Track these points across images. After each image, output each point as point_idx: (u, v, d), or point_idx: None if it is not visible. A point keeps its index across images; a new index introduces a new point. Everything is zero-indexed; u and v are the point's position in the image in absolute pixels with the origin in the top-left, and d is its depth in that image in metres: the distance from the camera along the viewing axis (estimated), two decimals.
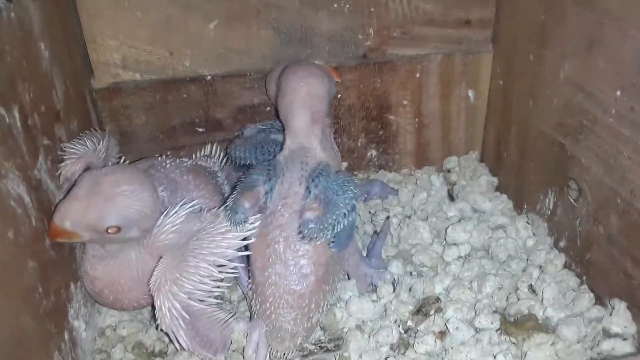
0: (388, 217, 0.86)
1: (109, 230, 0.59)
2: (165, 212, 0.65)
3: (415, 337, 0.67)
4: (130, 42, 0.80)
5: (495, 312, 0.70)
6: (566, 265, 0.76)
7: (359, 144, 0.95)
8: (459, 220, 0.83)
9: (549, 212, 0.80)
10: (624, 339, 0.63)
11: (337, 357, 0.67)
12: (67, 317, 0.63)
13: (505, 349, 0.64)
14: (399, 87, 0.90)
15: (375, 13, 0.84)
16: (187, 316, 0.61)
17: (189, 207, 0.66)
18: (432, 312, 0.70)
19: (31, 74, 0.61)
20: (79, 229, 0.59)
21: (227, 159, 0.82)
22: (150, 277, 0.63)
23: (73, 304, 0.65)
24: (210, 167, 0.80)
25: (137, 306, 0.69)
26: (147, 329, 0.71)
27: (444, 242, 0.82)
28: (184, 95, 0.85)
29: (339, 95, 0.89)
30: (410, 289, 0.73)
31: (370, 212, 0.90)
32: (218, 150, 0.84)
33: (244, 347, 0.66)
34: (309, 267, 0.65)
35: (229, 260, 0.65)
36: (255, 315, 0.67)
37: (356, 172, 0.97)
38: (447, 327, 0.67)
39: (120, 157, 0.76)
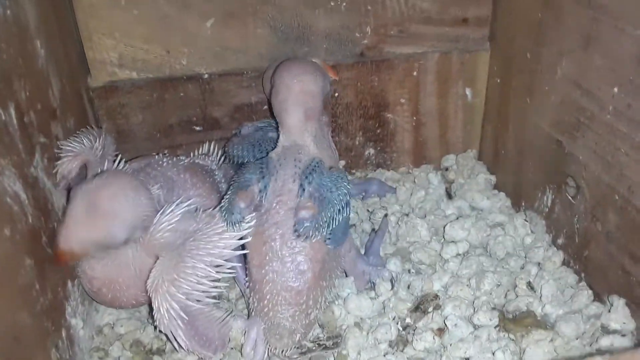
0: (386, 215, 0.86)
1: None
2: (161, 211, 0.65)
3: (413, 334, 0.67)
4: (126, 41, 0.80)
5: (493, 309, 0.69)
6: (564, 263, 0.76)
7: (357, 143, 0.95)
8: (457, 218, 0.83)
9: (547, 210, 0.80)
10: (623, 335, 0.63)
11: (335, 355, 0.66)
12: (64, 315, 0.63)
13: (504, 345, 0.64)
14: (396, 86, 0.90)
15: (372, 11, 0.84)
16: (185, 316, 0.61)
17: (185, 206, 0.66)
18: (430, 309, 0.69)
19: (27, 72, 0.60)
20: (88, 250, 0.59)
21: (225, 157, 0.82)
22: (148, 275, 0.63)
23: (70, 301, 0.65)
24: (207, 165, 0.80)
25: (135, 304, 0.69)
26: (145, 326, 0.71)
27: (442, 240, 0.82)
28: (181, 94, 0.84)
29: (337, 94, 0.89)
30: (408, 287, 0.73)
31: (368, 211, 0.90)
32: (216, 149, 0.84)
33: (242, 345, 0.66)
34: (305, 263, 0.65)
35: (226, 260, 0.65)
36: (253, 313, 0.67)
37: (354, 171, 0.97)
38: (445, 324, 0.67)
39: (116, 155, 0.76)
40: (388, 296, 0.72)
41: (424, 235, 0.82)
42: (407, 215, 0.85)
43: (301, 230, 0.64)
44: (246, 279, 0.69)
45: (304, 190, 0.66)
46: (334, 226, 0.65)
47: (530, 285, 0.72)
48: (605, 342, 0.63)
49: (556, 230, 0.78)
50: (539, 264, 0.76)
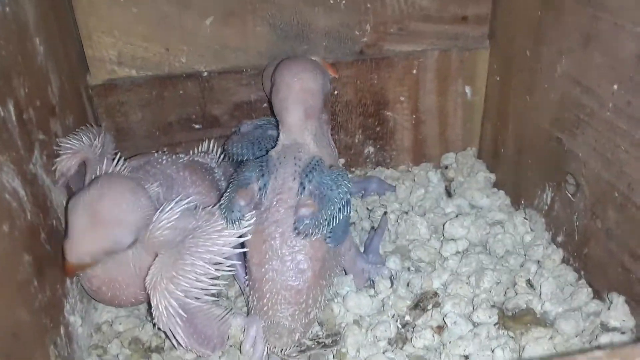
0: (385, 213, 0.86)
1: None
2: (160, 209, 0.65)
3: (413, 331, 0.67)
4: (126, 39, 0.80)
5: (493, 306, 0.69)
6: (564, 260, 0.76)
7: (356, 141, 0.95)
8: (457, 216, 0.83)
9: (547, 208, 0.80)
10: (622, 333, 0.63)
11: (334, 353, 0.66)
12: (63, 312, 0.63)
13: (504, 343, 0.64)
14: (396, 83, 0.90)
15: (371, 9, 0.84)
16: (184, 314, 0.61)
17: (184, 204, 0.65)
18: (430, 306, 0.69)
19: (26, 69, 0.60)
20: (97, 259, 0.59)
21: (224, 155, 0.82)
22: (147, 274, 0.62)
23: (69, 299, 0.65)
24: (207, 163, 0.80)
25: (135, 302, 0.69)
26: (143, 324, 0.71)
27: (442, 238, 0.81)
28: (181, 92, 0.84)
29: (336, 92, 0.89)
30: (408, 284, 0.73)
31: (367, 209, 0.90)
32: (215, 147, 0.84)
33: (241, 343, 0.66)
34: (305, 262, 0.65)
35: (225, 258, 0.65)
36: (252, 311, 0.67)
37: (353, 169, 0.97)
38: (445, 322, 0.67)
39: (116, 154, 0.76)
40: (387, 294, 0.72)
41: (424, 233, 0.82)
42: (406, 213, 0.85)
43: (301, 227, 0.63)
44: (246, 277, 0.69)
45: (304, 188, 0.65)
46: (334, 224, 0.65)
47: (529, 283, 0.72)
48: (604, 339, 0.63)
49: (556, 228, 0.78)
50: (538, 261, 0.76)
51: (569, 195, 0.74)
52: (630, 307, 0.65)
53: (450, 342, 0.64)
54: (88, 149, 0.69)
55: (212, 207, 0.67)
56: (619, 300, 0.65)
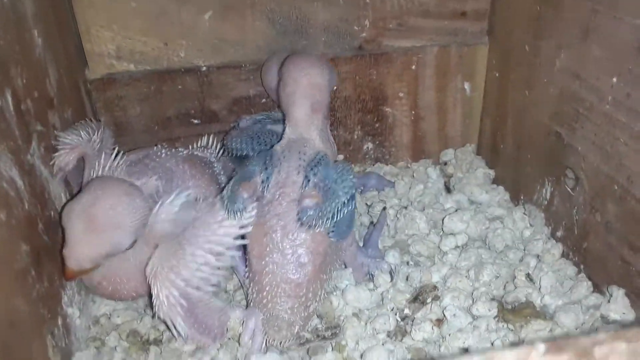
0: (384, 208, 0.86)
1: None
2: (160, 202, 0.64)
3: (412, 324, 0.66)
4: (124, 33, 0.80)
5: (492, 299, 0.69)
6: (563, 255, 0.76)
7: (355, 137, 0.95)
8: (456, 211, 0.83)
9: (546, 203, 0.80)
10: (623, 326, 0.63)
11: (333, 345, 0.66)
12: (60, 303, 0.62)
13: (503, 335, 0.64)
14: (394, 79, 0.90)
15: (370, 4, 0.84)
16: (184, 303, 0.61)
17: (184, 196, 0.65)
18: (429, 300, 0.69)
19: (24, 60, 0.60)
20: (98, 262, 0.59)
21: (224, 150, 0.82)
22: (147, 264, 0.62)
23: (67, 291, 0.64)
24: (206, 157, 0.80)
25: (135, 296, 0.69)
26: (141, 317, 0.71)
27: (441, 233, 0.81)
28: (179, 86, 0.84)
29: (335, 88, 0.89)
30: (407, 278, 0.73)
31: (366, 204, 0.90)
32: (214, 142, 0.84)
33: (239, 335, 0.66)
34: (306, 256, 0.64)
35: (226, 249, 0.64)
36: (252, 304, 0.66)
37: (352, 165, 0.97)
38: (444, 315, 0.67)
39: (114, 148, 0.76)
40: (386, 287, 0.72)
41: (423, 227, 0.82)
42: (405, 208, 0.85)
43: (304, 218, 0.63)
44: (246, 269, 0.68)
45: (308, 181, 0.65)
46: (338, 218, 0.65)
47: (529, 277, 0.72)
48: None
49: (555, 223, 0.78)
50: (538, 256, 0.76)
51: (568, 189, 0.74)
52: (630, 299, 0.65)
53: (449, 335, 0.64)
54: (87, 144, 0.69)
55: (213, 198, 0.67)
56: (618, 293, 0.65)
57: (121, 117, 0.85)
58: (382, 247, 0.80)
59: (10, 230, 0.52)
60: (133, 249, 0.64)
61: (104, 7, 0.78)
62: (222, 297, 0.74)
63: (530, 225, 0.82)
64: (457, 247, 0.78)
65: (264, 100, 0.87)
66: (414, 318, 0.68)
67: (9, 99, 0.55)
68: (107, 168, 0.67)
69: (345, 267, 0.74)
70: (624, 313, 0.64)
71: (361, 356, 0.64)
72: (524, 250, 0.78)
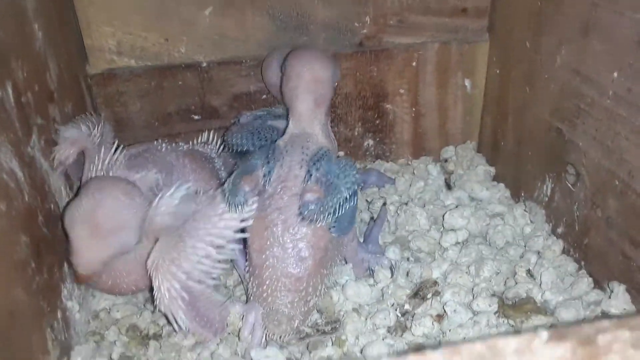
0: (384, 203, 0.86)
1: None
2: (160, 195, 0.64)
3: (412, 320, 0.66)
4: (125, 28, 0.80)
5: (493, 295, 0.69)
6: (564, 251, 0.76)
7: (356, 133, 0.94)
8: (457, 207, 0.83)
9: (547, 199, 0.79)
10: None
11: (333, 339, 0.66)
12: (60, 296, 0.62)
13: (504, 331, 0.64)
14: (395, 76, 0.90)
15: (371, 0, 0.84)
16: (186, 296, 0.61)
17: (184, 189, 0.65)
18: (429, 295, 0.69)
19: (25, 53, 0.60)
20: (107, 262, 0.60)
21: (224, 146, 0.82)
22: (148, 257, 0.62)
23: (67, 284, 0.64)
24: (207, 152, 0.80)
25: (135, 290, 0.69)
26: (141, 312, 0.71)
27: (442, 229, 0.81)
28: (180, 82, 0.84)
29: (335, 84, 0.89)
30: (407, 274, 0.73)
31: (367, 201, 0.90)
32: (214, 138, 0.84)
33: (239, 330, 0.65)
34: (307, 250, 0.64)
35: (226, 242, 0.64)
36: (252, 298, 0.66)
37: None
38: (444, 310, 0.67)
39: (114, 143, 0.76)
40: (387, 283, 0.72)
41: (423, 223, 0.82)
42: (406, 204, 0.85)
43: (306, 213, 0.63)
44: (246, 263, 0.68)
45: (310, 175, 0.65)
46: (339, 214, 0.65)
47: (530, 273, 0.72)
48: None
49: (556, 219, 0.78)
50: (538, 252, 0.76)
51: (569, 185, 0.74)
52: (631, 295, 0.64)
53: (450, 330, 0.64)
54: (87, 138, 0.69)
55: (214, 191, 0.67)
56: (619, 289, 0.65)
57: (121, 112, 0.85)
58: (382, 243, 0.80)
59: (10, 221, 0.52)
60: None
61: (105, 3, 0.78)
62: (222, 292, 0.73)
63: (531, 221, 0.82)
64: (457, 243, 0.78)
65: (264, 96, 0.87)
66: (414, 314, 0.68)
67: (10, 91, 0.55)
68: (106, 162, 0.67)
69: (346, 262, 0.74)
70: (624, 309, 0.64)
71: (361, 351, 0.64)
72: (525, 246, 0.78)
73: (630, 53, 0.61)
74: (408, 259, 0.77)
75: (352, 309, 0.69)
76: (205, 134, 0.84)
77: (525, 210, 0.83)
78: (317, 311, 0.69)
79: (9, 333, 0.49)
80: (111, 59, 0.81)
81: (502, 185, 0.90)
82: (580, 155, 0.71)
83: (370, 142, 0.96)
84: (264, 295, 0.64)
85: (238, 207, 0.64)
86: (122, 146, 0.72)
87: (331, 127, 0.81)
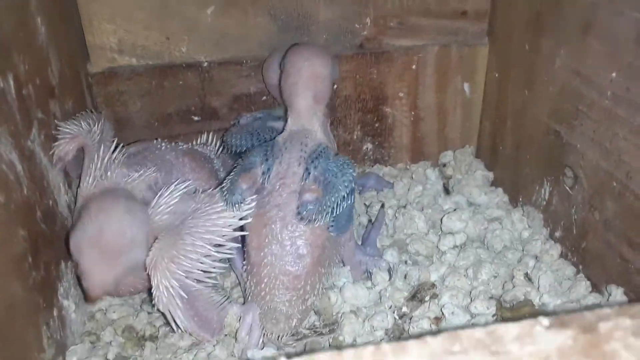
0: (383, 206, 0.86)
1: None
2: (159, 193, 0.64)
3: (410, 322, 0.66)
4: (126, 26, 0.80)
5: (491, 298, 0.69)
6: (562, 255, 0.76)
7: (355, 137, 0.95)
8: (455, 210, 0.83)
9: (545, 203, 0.80)
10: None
11: (331, 341, 0.65)
12: (56, 294, 0.62)
13: None
14: (395, 79, 0.90)
15: (372, 2, 0.85)
16: (185, 295, 0.60)
17: (183, 188, 0.65)
18: (427, 298, 0.69)
19: (27, 47, 0.60)
20: (120, 281, 0.60)
21: (223, 146, 0.82)
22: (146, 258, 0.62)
23: (63, 282, 0.64)
24: (206, 153, 0.80)
25: (133, 291, 0.68)
26: (137, 313, 0.70)
27: (440, 232, 0.81)
28: (180, 82, 0.84)
29: (335, 86, 0.89)
30: (405, 276, 0.73)
31: (365, 204, 0.90)
32: (214, 139, 0.84)
33: (236, 331, 0.65)
34: (305, 248, 0.64)
35: (225, 240, 0.64)
36: (249, 297, 0.66)
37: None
38: (442, 313, 0.67)
39: (113, 141, 0.76)
40: (384, 286, 0.72)
41: (421, 227, 0.81)
42: (404, 207, 0.85)
43: (304, 213, 0.63)
44: (244, 262, 0.68)
45: (309, 173, 0.65)
46: (337, 212, 0.65)
47: (527, 277, 0.72)
48: None
49: (554, 224, 0.78)
50: (536, 256, 0.76)
51: (567, 188, 0.74)
52: (629, 298, 0.64)
53: None
54: (86, 135, 0.69)
55: (212, 190, 0.67)
56: (617, 292, 0.65)
57: (122, 112, 0.84)
58: (380, 246, 0.80)
59: (8, 214, 0.52)
60: None
61: (107, 0, 0.78)
62: (220, 293, 0.73)
63: (529, 226, 0.82)
64: (455, 246, 0.78)
65: (264, 97, 0.87)
66: (412, 316, 0.67)
67: (11, 82, 0.55)
68: (105, 160, 0.67)
69: (344, 265, 0.74)
70: None
71: None
72: (523, 250, 0.78)
73: (629, 52, 0.61)
74: (406, 262, 0.76)
75: (350, 311, 0.69)
76: (205, 136, 0.84)
77: (523, 214, 0.83)
78: (315, 313, 0.69)
79: (5, 327, 0.49)
80: (112, 57, 0.81)
81: (500, 190, 0.90)
82: (578, 157, 0.71)
83: (369, 145, 0.96)
84: (262, 293, 0.64)
85: (235, 205, 0.64)
86: (121, 145, 0.72)
87: (330, 130, 0.82)
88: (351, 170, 0.67)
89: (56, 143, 0.66)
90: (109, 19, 0.79)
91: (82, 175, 0.68)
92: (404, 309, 0.69)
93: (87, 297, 0.59)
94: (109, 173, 0.66)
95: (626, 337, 0.31)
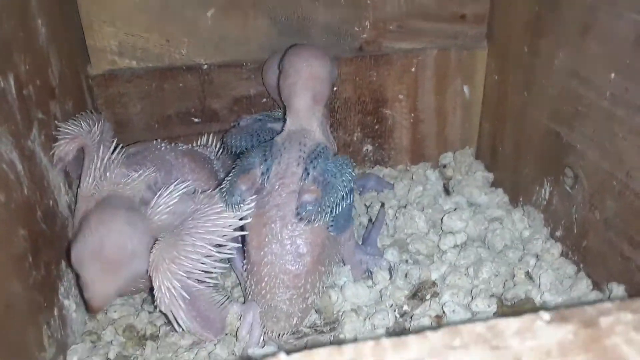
0: (383, 205, 0.86)
1: None
2: (158, 194, 0.64)
3: (411, 320, 0.66)
4: (127, 29, 0.80)
5: (492, 296, 0.69)
6: (563, 254, 0.76)
7: (355, 139, 0.95)
8: (455, 209, 0.83)
9: (545, 203, 0.80)
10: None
11: (332, 339, 0.65)
12: (57, 294, 0.62)
13: None
14: (394, 81, 0.91)
15: (371, 5, 0.85)
16: (186, 296, 0.60)
17: (182, 188, 0.65)
18: (428, 296, 0.69)
19: (27, 47, 0.60)
20: (123, 289, 0.61)
21: (223, 148, 0.82)
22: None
23: (64, 282, 0.64)
24: (206, 154, 0.80)
25: (134, 291, 0.69)
26: (138, 312, 0.70)
27: (440, 232, 0.81)
28: (180, 84, 0.84)
29: (335, 88, 0.89)
30: (406, 275, 0.73)
31: (365, 205, 0.90)
32: (214, 141, 0.84)
33: (237, 330, 0.65)
34: (305, 246, 0.64)
35: (226, 240, 0.64)
36: (250, 296, 0.66)
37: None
38: (443, 311, 0.67)
39: (113, 141, 0.76)
40: (385, 285, 0.72)
41: (422, 226, 0.81)
42: (404, 207, 0.85)
43: (304, 213, 0.63)
44: (244, 262, 0.68)
45: (308, 174, 0.65)
46: (337, 212, 0.65)
47: (528, 275, 0.72)
48: None
49: (554, 223, 0.78)
50: (537, 255, 0.76)
51: (567, 188, 0.74)
52: (630, 295, 0.64)
53: None
54: (87, 135, 0.69)
55: (212, 191, 0.67)
56: (618, 289, 0.65)
57: (122, 114, 0.85)
58: (381, 245, 0.80)
59: (8, 213, 0.52)
60: None
61: (107, 3, 0.78)
62: (221, 293, 0.73)
63: (529, 225, 0.82)
64: (456, 245, 0.78)
65: (264, 100, 0.87)
66: (413, 314, 0.67)
67: (12, 82, 0.55)
68: (105, 160, 0.67)
69: (344, 264, 0.74)
70: None
71: None
72: (523, 249, 0.78)
73: (627, 53, 0.61)
74: (407, 261, 0.76)
75: (351, 309, 0.69)
76: (205, 137, 0.84)
77: (523, 214, 0.83)
78: (316, 311, 0.69)
79: (5, 326, 0.49)
80: (112, 59, 0.82)
81: (500, 190, 0.90)
82: (578, 157, 0.71)
83: (369, 147, 0.96)
84: (262, 292, 0.64)
85: (235, 206, 0.64)
86: (120, 146, 0.72)
87: (330, 132, 0.82)
88: (350, 170, 0.67)
89: (56, 143, 0.66)
90: (110, 21, 0.79)
91: (82, 175, 0.68)
92: (405, 308, 0.69)
93: (89, 308, 0.59)
94: (108, 173, 0.66)
95: (627, 331, 0.30)
